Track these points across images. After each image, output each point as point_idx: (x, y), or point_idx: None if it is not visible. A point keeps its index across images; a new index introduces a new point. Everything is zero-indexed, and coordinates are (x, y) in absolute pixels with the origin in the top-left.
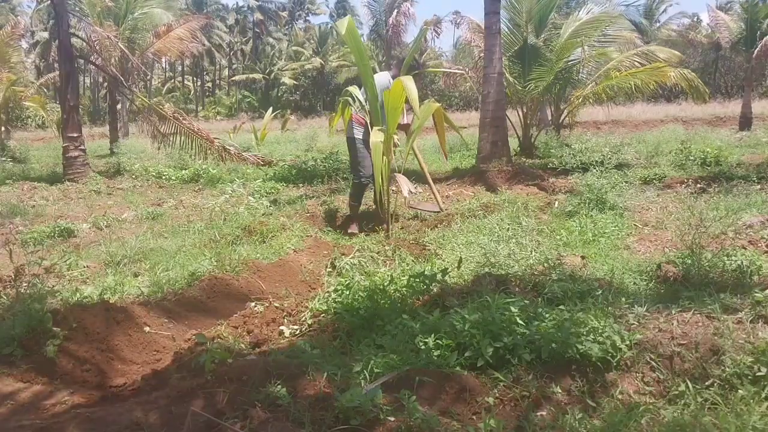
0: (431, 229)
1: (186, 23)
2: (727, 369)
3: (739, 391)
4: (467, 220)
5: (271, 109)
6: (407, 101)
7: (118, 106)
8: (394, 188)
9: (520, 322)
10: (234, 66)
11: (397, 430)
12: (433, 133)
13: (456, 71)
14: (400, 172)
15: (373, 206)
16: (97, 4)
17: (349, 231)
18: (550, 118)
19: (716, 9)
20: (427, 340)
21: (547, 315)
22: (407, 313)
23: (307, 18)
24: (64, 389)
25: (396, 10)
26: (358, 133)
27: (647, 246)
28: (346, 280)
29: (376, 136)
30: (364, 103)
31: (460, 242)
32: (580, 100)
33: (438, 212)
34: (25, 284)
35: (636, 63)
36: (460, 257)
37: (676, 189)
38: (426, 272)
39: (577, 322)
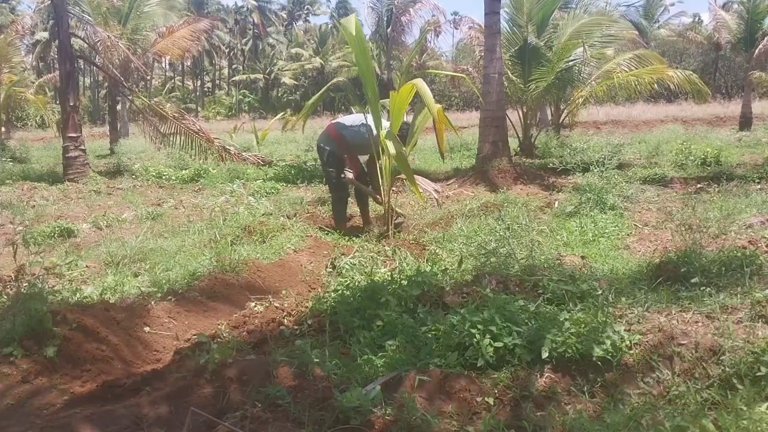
0: (431, 229)
1: (190, 25)
2: (727, 369)
3: (739, 391)
4: (467, 220)
5: (281, 114)
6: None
7: (118, 106)
8: (394, 188)
9: (520, 322)
10: (234, 66)
11: (396, 429)
12: (432, 134)
13: (457, 75)
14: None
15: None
16: (103, 4)
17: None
18: (550, 118)
19: (718, 8)
20: (427, 340)
21: (547, 315)
22: (407, 313)
23: (307, 18)
24: (63, 389)
25: (410, 9)
26: (336, 149)
27: (647, 246)
28: (346, 280)
29: (390, 147)
30: (361, 105)
31: (460, 242)
32: (580, 100)
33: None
34: (25, 284)
35: (632, 66)
36: (461, 257)
37: (676, 189)
38: (426, 272)
39: (577, 322)
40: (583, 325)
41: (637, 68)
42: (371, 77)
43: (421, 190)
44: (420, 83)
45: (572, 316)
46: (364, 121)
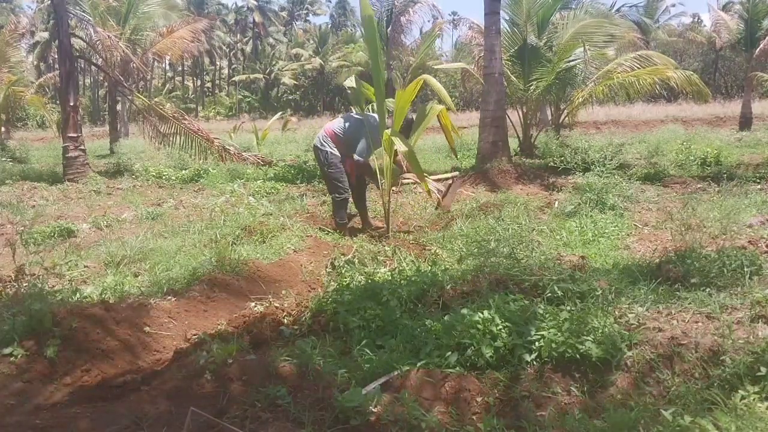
0: (431, 229)
1: (189, 24)
2: (727, 369)
3: (739, 391)
4: (467, 220)
5: (279, 114)
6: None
7: (118, 106)
8: (395, 187)
9: (520, 322)
10: (234, 66)
11: (396, 429)
12: (431, 134)
13: (458, 65)
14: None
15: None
16: (100, 4)
17: (375, 226)
18: (550, 118)
19: (717, 9)
20: (427, 340)
21: (547, 315)
22: (407, 313)
23: (307, 18)
24: (64, 389)
25: (410, 9)
26: (333, 149)
27: (647, 246)
28: (346, 280)
29: (399, 145)
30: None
31: (460, 242)
32: (580, 100)
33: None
34: (25, 284)
35: (635, 66)
36: (461, 255)
37: (676, 189)
38: (426, 272)
39: (577, 322)
40: (583, 325)
41: (639, 68)
42: (380, 72)
43: (430, 187)
44: (429, 78)
45: (572, 315)
46: (358, 118)
